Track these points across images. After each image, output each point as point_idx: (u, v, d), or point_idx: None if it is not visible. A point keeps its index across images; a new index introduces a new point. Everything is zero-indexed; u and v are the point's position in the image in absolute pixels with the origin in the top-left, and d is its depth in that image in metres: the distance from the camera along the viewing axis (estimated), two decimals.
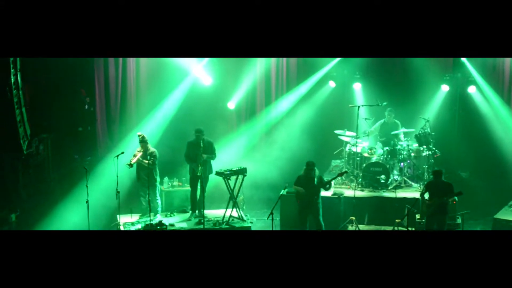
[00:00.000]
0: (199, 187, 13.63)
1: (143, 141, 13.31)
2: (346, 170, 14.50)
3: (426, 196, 11.70)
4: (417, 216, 12.48)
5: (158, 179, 13.64)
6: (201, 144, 13.30)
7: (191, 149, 13.46)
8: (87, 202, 11.81)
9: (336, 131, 15.40)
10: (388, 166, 14.51)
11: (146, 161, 13.19)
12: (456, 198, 11.60)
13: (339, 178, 14.11)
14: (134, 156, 13.17)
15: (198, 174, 13.31)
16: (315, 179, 11.98)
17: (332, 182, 12.43)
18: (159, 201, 13.68)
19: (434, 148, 14.78)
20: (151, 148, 13.43)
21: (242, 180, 13.64)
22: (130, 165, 13.00)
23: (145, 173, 13.16)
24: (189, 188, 13.97)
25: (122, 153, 12.85)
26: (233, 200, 13.44)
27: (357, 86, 16.72)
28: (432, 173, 12.30)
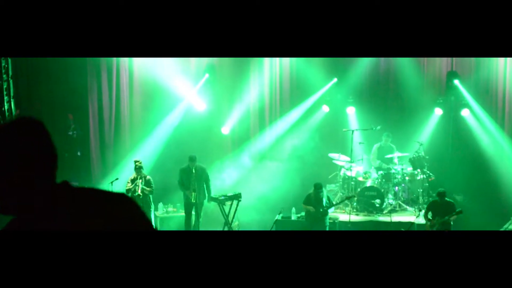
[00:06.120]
0: (193, 213, 13.58)
1: (140, 168, 13.15)
2: (354, 195, 14.41)
3: (429, 215, 11.94)
4: None
5: (153, 206, 13.49)
6: (193, 170, 13.25)
7: (184, 175, 13.41)
8: None
9: (331, 155, 15.40)
10: (382, 190, 14.50)
11: (148, 189, 13.03)
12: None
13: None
14: (136, 185, 12.85)
15: (193, 201, 13.26)
16: (324, 200, 12.20)
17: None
18: None
19: (428, 172, 14.80)
20: (147, 176, 13.28)
21: (237, 205, 13.61)
22: (139, 196, 12.72)
23: (142, 201, 12.71)
24: (183, 214, 13.91)
25: (117, 179, 12.79)
26: (228, 226, 13.39)
27: (351, 110, 16.68)
28: (437, 194, 12.30)
